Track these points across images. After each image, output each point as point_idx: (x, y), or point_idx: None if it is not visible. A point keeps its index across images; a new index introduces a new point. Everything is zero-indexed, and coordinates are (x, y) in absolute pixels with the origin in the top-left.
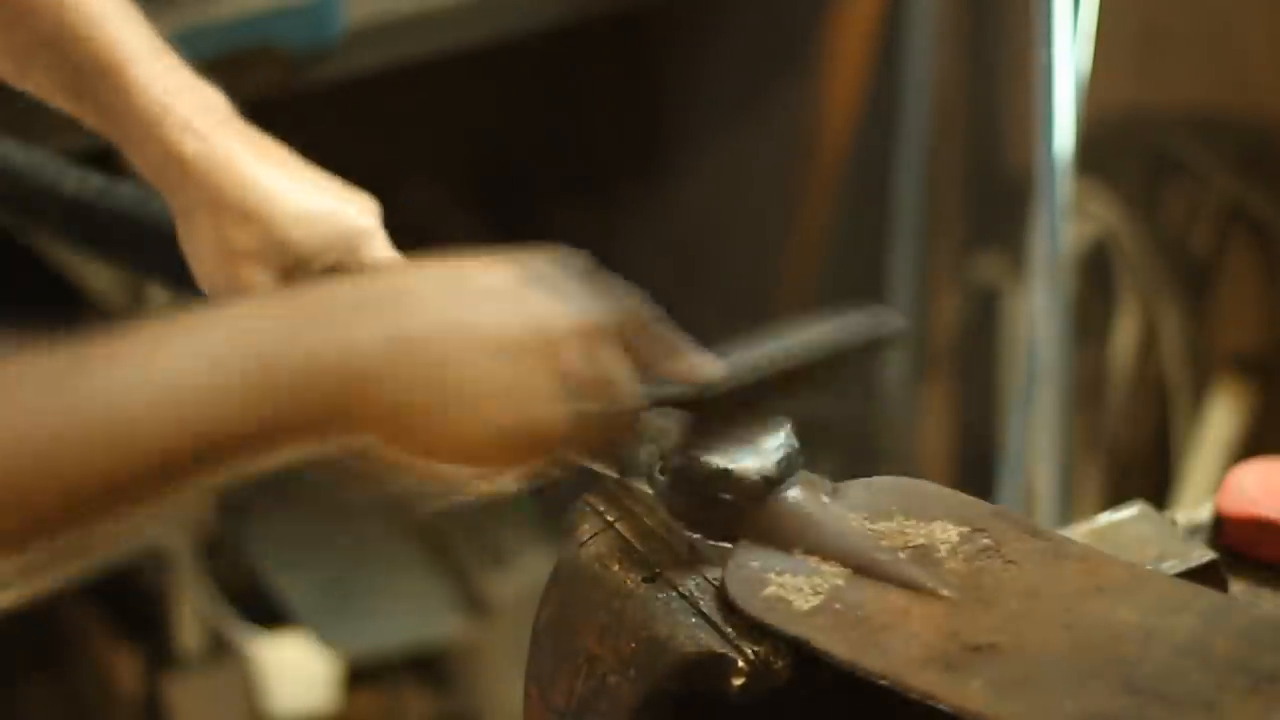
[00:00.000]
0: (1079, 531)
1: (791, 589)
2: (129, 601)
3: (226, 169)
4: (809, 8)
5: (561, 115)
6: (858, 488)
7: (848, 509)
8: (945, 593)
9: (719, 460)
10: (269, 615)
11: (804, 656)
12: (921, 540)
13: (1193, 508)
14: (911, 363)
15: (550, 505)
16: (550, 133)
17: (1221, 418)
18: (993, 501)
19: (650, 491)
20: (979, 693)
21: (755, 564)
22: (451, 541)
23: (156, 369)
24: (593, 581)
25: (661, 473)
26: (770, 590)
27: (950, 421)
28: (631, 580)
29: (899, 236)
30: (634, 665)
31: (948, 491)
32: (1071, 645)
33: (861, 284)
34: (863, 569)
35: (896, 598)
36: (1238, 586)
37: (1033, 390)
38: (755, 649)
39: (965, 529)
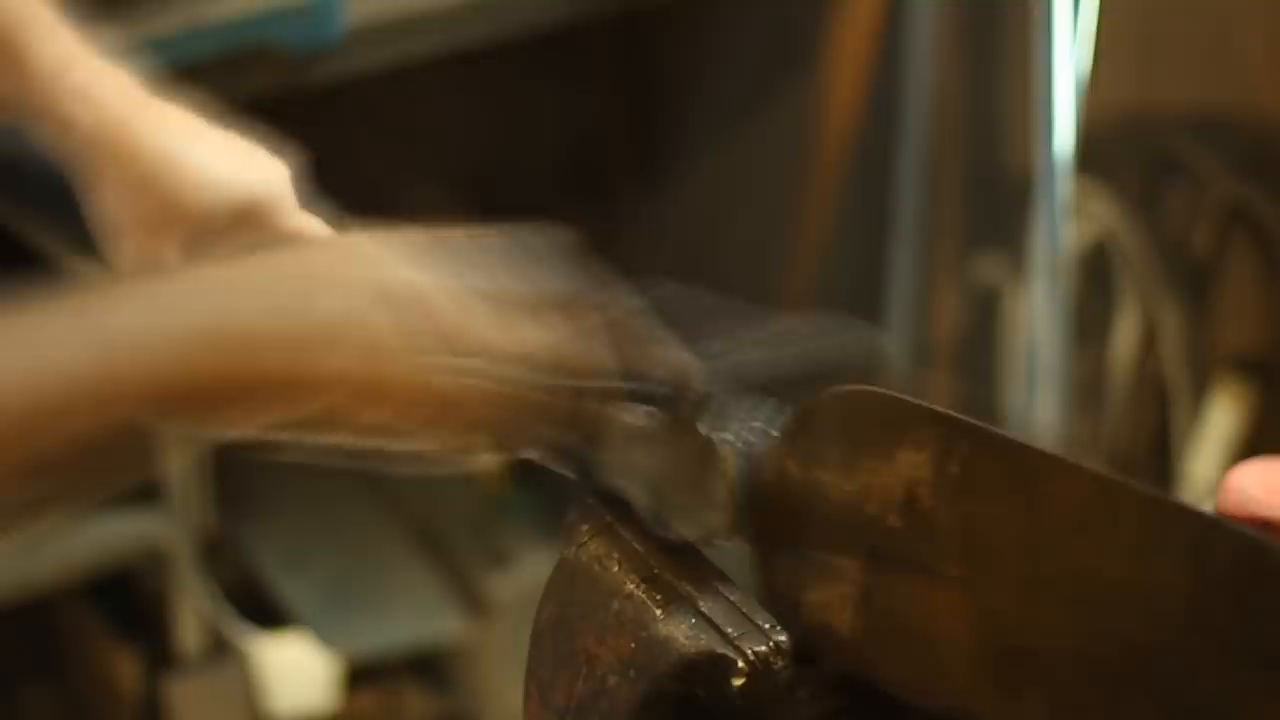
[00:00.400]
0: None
1: (824, 606)
2: (129, 601)
3: (124, 136)
4: (810, 8)
5: (561, 115)
6: (814, 415)
7: (816, 456)
8: (954, 573)
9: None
10: (269, 615)
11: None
12: (897, 488)
13: None
14: (911, 363)
15: (550, 505)
16: (550, 133)
17: (1221, 418)
18: None
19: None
20: (1041, 716)
21: (781, 577)
22: (451, 541)
23: (106, 325)
24: (593, 581)
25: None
26: (807, 617)
27: None
28: (631, 580)
29: (899, 236)
30: (634, 665)
31: (893, 400)
32: (1088, 635)
33: (861, 284)
34: (875, 554)
35: (917, 588)
36: None
37: (1033, 390)
38: (755, 649)
39: (930, 452)
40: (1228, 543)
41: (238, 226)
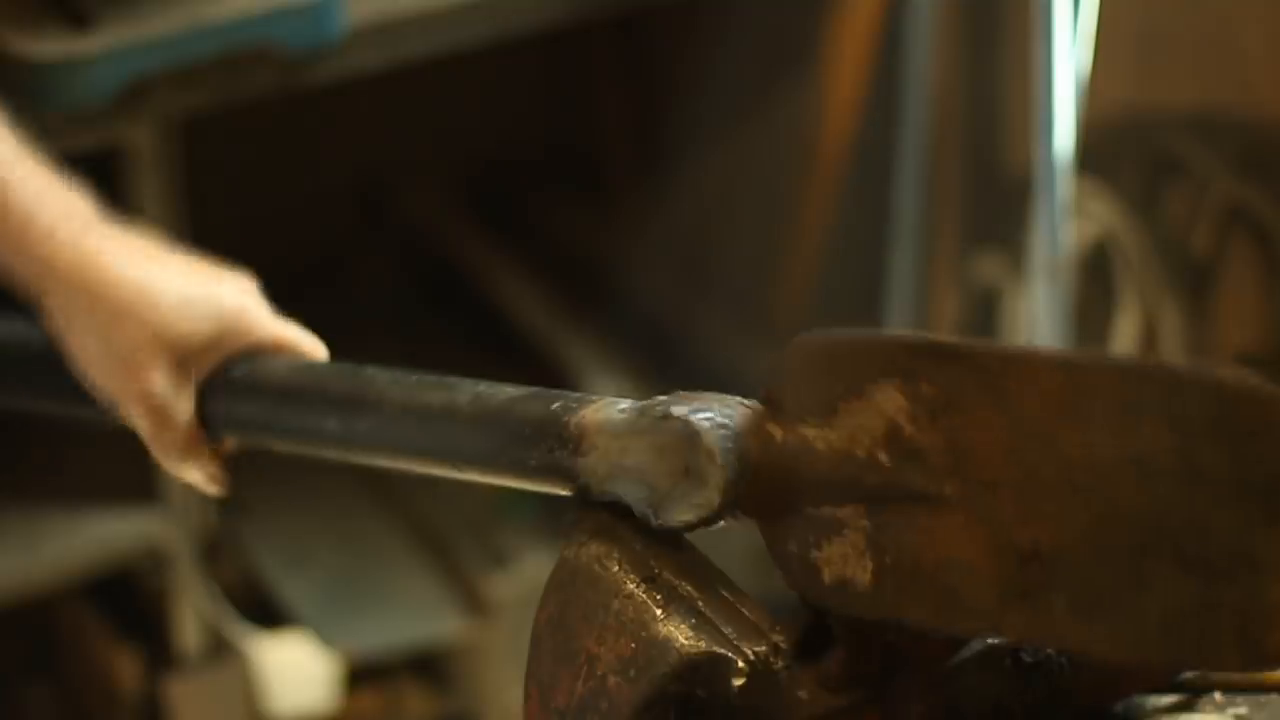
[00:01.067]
0: None
1: (839, 559)
2: (129, 601)
3: (97, 271)
4: (809, 8)
5: (561, 115)
6: (789, 374)
7: (799, 410)
8: (949, 490)
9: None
10: (269, 615)
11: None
12: (879, 426)
13: None
14: None
15: (550, 505)
16: (550, 133)
17: None
18: None
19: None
20: (1068, 620)
21: (792, 546)
22: (451, 541)
23: None
24: (593, 581)
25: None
26: (827, 574)
27: None
28: (631, 580)
29: (899, 236)
30: (634, 665)
31: (854, 338)
32: (1092, 519)
33: (861, 284)
34: (872, 498)
35: (919, 519)
36: None
37: None
38: (755, 649)
39: (899, 382)
40: (1196, 387)
41: (219, 342)
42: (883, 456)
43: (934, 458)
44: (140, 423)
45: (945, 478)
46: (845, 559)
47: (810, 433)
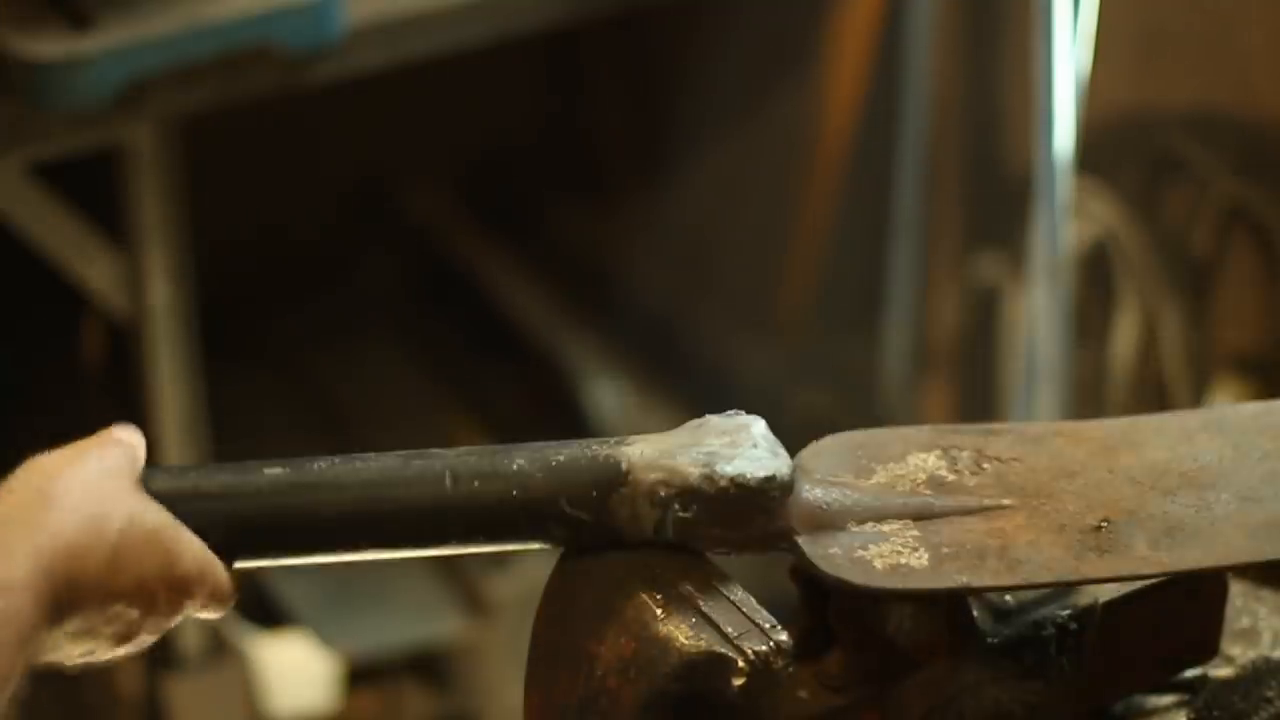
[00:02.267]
0: None
1: (891, 555)
2: None
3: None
4: (809, 8)
5: (561, 115)
6: (812, 458)
7: (829, 477)
8: (1005, 502)
9: (749, 470)
10: (269, 615)
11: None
12: (922, 476)
13: None
14: (911, 362)
15: None
16: (550, 133)
17: None
18: None
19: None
20: (1151, 554)
21: (834, 550)
22: None
23: None
24: (593, 581)
25: (684, 510)
26: (879, 564)
27: (950, 421)
28: (632, 580)
29: (899, 236)
30: (634, 665)
31: (881, 431)
32: (1154, 490)
33: (861, 284)
34: (919, 515)
35: (977, 523)
36: (1238, 586)
37: (1033, 390)
38: (755, 649)
39: (937, 452)
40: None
41: (125, 548)
42: (926, 491)
43: (983, 490)
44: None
45: (1000, 496)
46: (897, 554)
47: (848, 479)
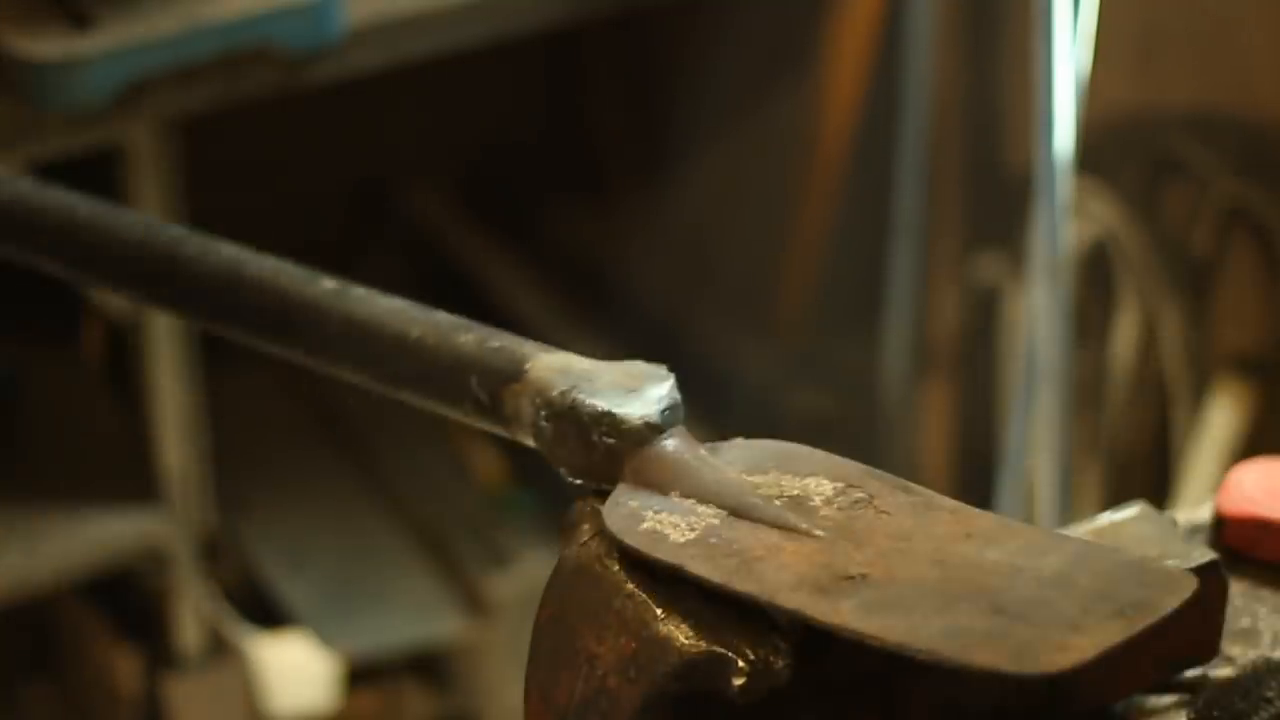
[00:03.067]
0: (1079, 531)
1: (668, 525)
2: (129, 601)
3: None
4: (809, 8)
5: (561, 115)
6: (735, 447)
7: (725, 463)
8: (818, 533)
9: (602, 403)
10: (269, 615)
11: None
12: (797, 491)
13: (1193, 508)
14: (911, 362)
15: (550, 505)
16: (550, 133)
17: (1221, 418)
18: (992, 502)
19: (535, 444)
20: (849, 611)
21: (634, 503)
22: (451, 541)
23: None
24: (593, 581)
25: (545, 420)
26: (647, 525)
27: (950, 421)
28: (632, 579)
29: (899, 236)
30: (634, 665)
31: (822, 454)
32: (941, 578)
33: (861, 284)
34: (737, 511)
35: (770, 535)
36: (1238, 586)
37: (1033, 390)
38: (755, 649)
39: (840, 484)
40: (1107, 556)
41: None
42: (779, 502)
43: (823, 521)
44: None
45: (822, 529)
46: (672, 525)
47: (734, 468)
